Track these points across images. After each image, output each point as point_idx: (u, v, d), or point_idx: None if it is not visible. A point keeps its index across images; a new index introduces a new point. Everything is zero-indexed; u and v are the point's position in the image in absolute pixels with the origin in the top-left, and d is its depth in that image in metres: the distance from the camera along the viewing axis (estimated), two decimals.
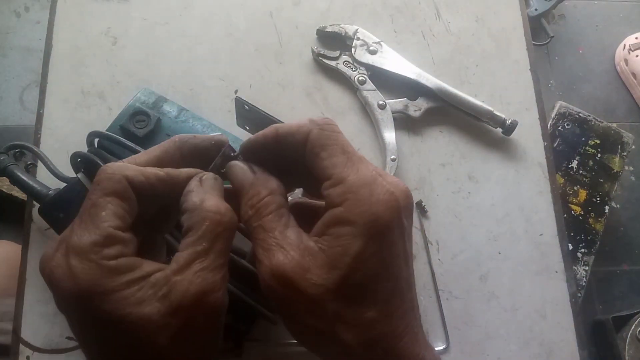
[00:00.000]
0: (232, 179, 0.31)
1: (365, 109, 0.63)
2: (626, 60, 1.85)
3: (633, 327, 1.37)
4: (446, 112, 0.64)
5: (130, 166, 0.28)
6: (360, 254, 0.27)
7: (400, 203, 0.28)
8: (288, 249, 0.27)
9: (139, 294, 0.25)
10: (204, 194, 0.28)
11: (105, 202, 0.26)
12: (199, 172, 0.31)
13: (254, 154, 0.32)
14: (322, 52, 0.64)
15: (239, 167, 0.31)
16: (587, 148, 1.45)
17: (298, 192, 0.50)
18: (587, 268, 1.36)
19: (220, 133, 0.36)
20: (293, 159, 0.31)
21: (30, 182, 0.49)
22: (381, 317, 0.28)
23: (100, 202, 0.26)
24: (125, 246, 0.26)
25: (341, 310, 0.27)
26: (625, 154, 1.46)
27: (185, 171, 0.31)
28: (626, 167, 1.69)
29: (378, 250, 0.27)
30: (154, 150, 0.32)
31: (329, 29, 0.65)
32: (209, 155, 0.32)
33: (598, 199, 1.41)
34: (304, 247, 0.27)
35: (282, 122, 0.51)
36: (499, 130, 0.63)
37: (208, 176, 0.30)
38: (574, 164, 1.43)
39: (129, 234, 0.27)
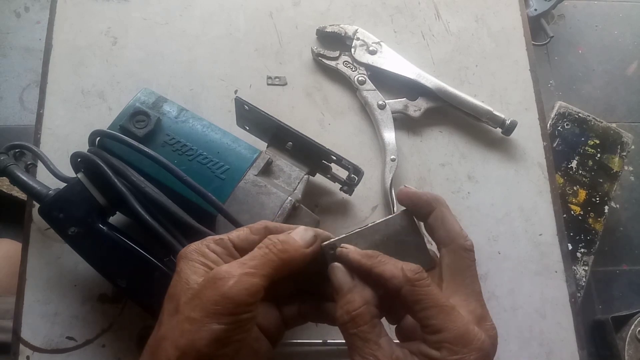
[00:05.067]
0: (332, 277, 0.35)
1: (365, 109, 0.63)
2: None
3: (632, 327, 1.37)
4: (446, 112, 0.64)
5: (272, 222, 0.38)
6: None
7: (490, 352, 0.33)
8: None
9: (195, 269, 0.33)
10: None
11: (240, 231, 0.36)
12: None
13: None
14: (322, 52, 0.64)
15: (341, 270, 0.35)
16: (586, 148, 1.45)
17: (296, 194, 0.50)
18: (586, 268, 1.36)
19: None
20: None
21: (30, 182, 0.49)
22: None
23: (241, 231, 0.36)
24: (225, 250, 0.34)
25: None
26: (624, 154, 1.46)
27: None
28: (626, 167, 1.70)
29: None
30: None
31: (329, 29, 0.65)
32: None
33: (597, 199, 1.41)
34: (395, 358, 0.32)
35: (282, 122, 0.52)
36: (499, 130, 0.63)
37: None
38: (574, 164, 1.43)
39: (234, 252, 0.35)
